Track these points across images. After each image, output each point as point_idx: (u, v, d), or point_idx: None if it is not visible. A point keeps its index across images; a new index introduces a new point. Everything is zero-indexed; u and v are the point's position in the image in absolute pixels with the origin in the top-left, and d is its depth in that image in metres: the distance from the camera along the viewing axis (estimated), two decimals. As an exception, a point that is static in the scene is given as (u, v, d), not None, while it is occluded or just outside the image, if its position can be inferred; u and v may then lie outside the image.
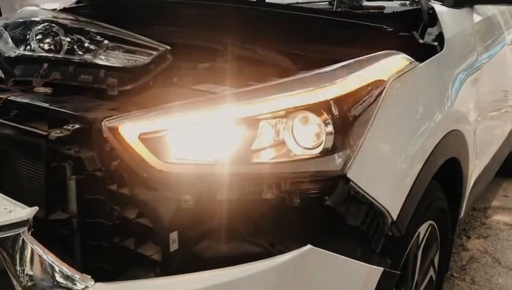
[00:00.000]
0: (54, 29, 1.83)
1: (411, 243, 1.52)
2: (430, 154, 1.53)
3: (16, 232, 1.11)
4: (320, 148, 1.25)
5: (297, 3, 1.99)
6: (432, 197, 1.64)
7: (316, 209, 1.26)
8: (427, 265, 1.80)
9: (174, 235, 1.26)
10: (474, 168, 2.16)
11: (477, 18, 2.22)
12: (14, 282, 1.12)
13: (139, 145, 1.25)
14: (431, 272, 1.85)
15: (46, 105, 1.48)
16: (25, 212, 1.14)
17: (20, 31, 1.85)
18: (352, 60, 1.46)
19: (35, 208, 1.17)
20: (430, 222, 1.70)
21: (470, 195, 2.18)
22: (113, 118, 1.29)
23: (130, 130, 1.26)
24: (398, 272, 1.38)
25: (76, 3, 2.52)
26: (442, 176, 1.68)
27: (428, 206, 1.60)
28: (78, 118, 1.38)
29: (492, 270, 2.59)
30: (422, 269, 1.74)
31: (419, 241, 1.64)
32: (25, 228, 1.12)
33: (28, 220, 1.13)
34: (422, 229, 1.64)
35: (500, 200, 3.38)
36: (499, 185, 3.54)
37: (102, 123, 1.28)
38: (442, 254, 1.92)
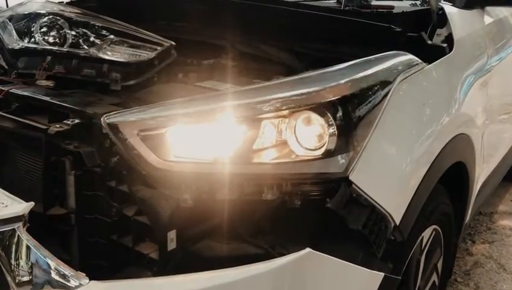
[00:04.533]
0: (59, 23, 1.81)
1: (414, 248, 1.50)
2: (436, 157, 1.50)
3: (11, 227, 1.10)
4: (322, 150, 1.23)
5: (304, 0, 1.96)
6: (437, 201, 1.61)
7: (317, 211, 1.24)
8: (430, 270, 1.77)
9: (172, 234, 1.25)
10: (481, 172, 2.13)
11: (488, 20, 2.19)
12: (8, 278, 1.11)
13: (138, 142, 1.23)
14: (434, 277, 1.82)
15: (47, 98, 1.47)
16: (21, 207, 1.12)
17: (25, 23, 1.84)
18: (358, 60, 1.44)
19: (31, 203, 1.16)
20: (434, 226, 1.68)
21: (476, 199, 2.15)
22: (113, 114, 1.28)
23: (129, 126, 1.24)
24: (400, 278, 1.35)
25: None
26: (448, 180, 1.65)
27: (432, 211, 1.58)
28: (79, 112, 1.37)
29: (496, 276, 2.55)
30: (425, 274, 1.71)
31: (423, 246, 1.61)
32: (20, 223, 1.11)
33: (23, 215, 1.11)
34: (426, 234, 1.61)
35: (507, 205, 3.34)
36: (506, 189, 3.50)
37: (102, 119, 1.27)
38: (446, 259, 1.89)
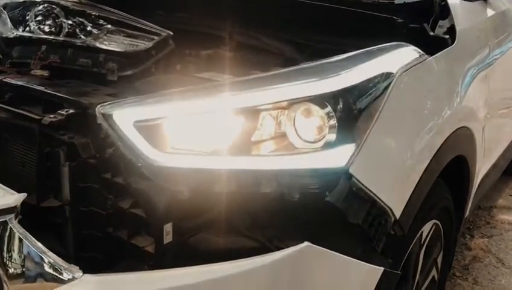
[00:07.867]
0: (55, 11, 1.78)
1: (413, 242, 1.48)
2: (437, 151, 1.48)
3: (3, 219, 1.08)
4: (322, 142, 1.21)
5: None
6: (437, 196, 1.59)
7: (316, 205, 1.21)
8: (430, 265, 1.76)
9: (168, 227, 1.22)
10: (482, 165, 2.12)
11: (490, 12, 2.16)
12: (0, 271, 1.08)
13: (133, 133, 1.20)
14: (433, 272, 1.81)
15: (41, 88, 1.43)
16: (13, 198, 1.10)
17: (20, 11, 1.81)
18: (359, 51, 1.42)
19: (24, 195, 1.13)
20: (434, 221, 1.66)
21: (476, 193, 2.14)
22: (108, 104, 1.25)
23: (125, 116, 1.22)
24: (399, 272, 1.34)
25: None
26: (448, 174, 1.63)
27: (432, 205, 1.56)
28: (73, 102, 1.34)
29: (495, 270, 2.54)
30: (424, 269, 1.70)
31: (422, 240, 1.59)
32: (12, 215, 1.08)
33: (15, 207, 1.09)
34: (426, 229, 1.59)
35: (506, 199, 3.33)
36: (505, 183, 3.48)
37: (96, 109, 1.24)
38: (446, 254, 1.87)
